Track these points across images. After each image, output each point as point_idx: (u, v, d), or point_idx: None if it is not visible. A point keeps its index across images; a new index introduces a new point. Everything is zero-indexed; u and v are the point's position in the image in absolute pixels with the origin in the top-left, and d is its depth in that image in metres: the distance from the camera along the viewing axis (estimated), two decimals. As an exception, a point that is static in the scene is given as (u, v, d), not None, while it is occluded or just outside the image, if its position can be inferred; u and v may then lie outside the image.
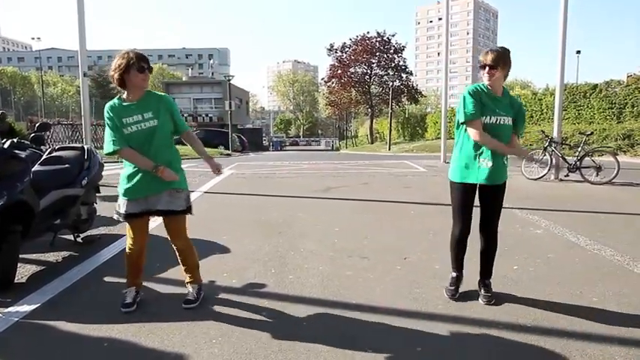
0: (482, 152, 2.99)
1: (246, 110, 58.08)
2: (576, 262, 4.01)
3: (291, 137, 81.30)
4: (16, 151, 3.80)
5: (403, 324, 2.81)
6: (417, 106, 53.89)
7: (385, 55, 43.72)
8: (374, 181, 10.63)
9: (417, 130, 38.73)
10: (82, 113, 10.83)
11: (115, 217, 3.03)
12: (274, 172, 13.35)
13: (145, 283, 3.35)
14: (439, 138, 20.89)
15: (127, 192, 2.93)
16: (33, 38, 77.52)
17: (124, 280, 3.17)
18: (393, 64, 43.67)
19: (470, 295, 3.20)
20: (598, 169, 9.14)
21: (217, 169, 3.19)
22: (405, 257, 4.16)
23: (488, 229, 3.17)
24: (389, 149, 31.60)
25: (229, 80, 35.09)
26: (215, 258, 4.23)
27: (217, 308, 3.08)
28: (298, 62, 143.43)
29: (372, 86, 45.06)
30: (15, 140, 4.20)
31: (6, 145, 3.85)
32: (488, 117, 2.95)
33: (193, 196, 7.88)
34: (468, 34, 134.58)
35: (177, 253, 3.19)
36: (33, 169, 3.88)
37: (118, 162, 3.00)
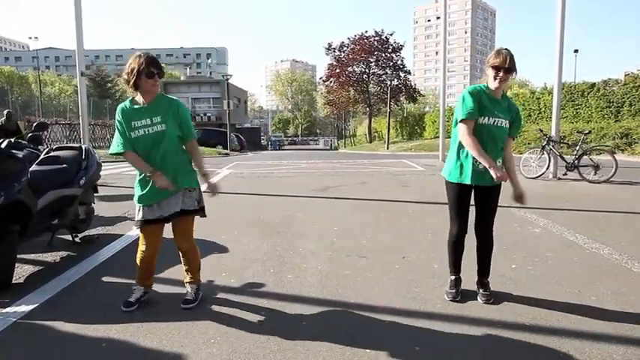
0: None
1: (244, 110, 58.06)
2: (575, 260, 4.01)
3: (289, 137, 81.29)
4: (14, 151, 3.79)
5: (402, 323, 2.81)
6: (416, 105, 53.89)
7: (383, 55, 43.73)
8: (372, 180, 10.63)
9: (415, 129, 38.75)
10: (80, 113, 10.80)
11: (135, 225, 3.04)
12: (273, 171, 13.34)
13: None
14: (437, 137, 20.92)
15: (140, 199, 2.93)
16: (30, 38, 77.23)
17: (122, 280, 3.17)
18: (391, 64, 43.69)
19: (468, 295, 3.20)
20: (596, 167, 9.16)
21: (213, 191, 3.11)
22: (403, 256, 4.17)
23: (483, 229, 3.17)
24: (387, 148, 31.62)
25: (227, 80, 35.06)
26: (214, 257, 4.23)
27: (216, 308, 3.07)
28: (296, 61, 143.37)
29: (371, 85, 45.07)
30: (12, 140, 4.18)
31: (3, 145, 3.84)
32: (487, 118, 2.95)
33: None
34: (466, 33, 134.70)
35: (180, 255, 3.16)
36: (30, 169, 3.88)
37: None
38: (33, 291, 3.35)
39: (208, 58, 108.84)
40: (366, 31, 43.73)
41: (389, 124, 36.00)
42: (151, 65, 2.81)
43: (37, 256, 4.24)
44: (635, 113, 18.91)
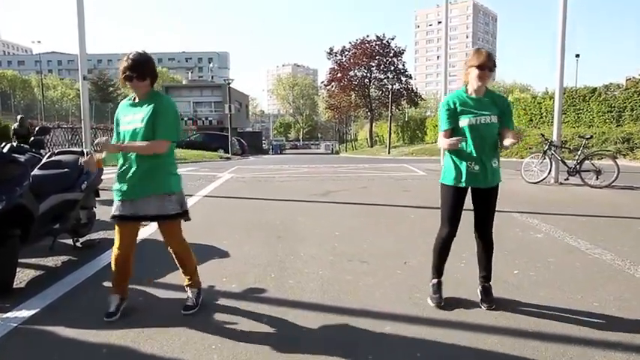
0: (468, 156, 3.00)
1: (245, 114, 58.15)
2: (577, 266, 4.00)
3: (290, 141, 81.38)
4: (16, 155, 3.79)
5: (403, 329, 2.79)
6: (417, 109, 53.93)
7: (385, 59, 43.77)
8: (373, 184, 10.62)
9: (416, 134, 38.73)
10: (82, 117, 10.83)
11: (110, 219, 3.05)
12: (274, 175, 13.34)
13: (143, 288, 3.34)
14: (439, 141, 20.81)
15: (116, 193, 2.96)
16: (33, 42, 77.82)
17: (123, 285, 3.15)
18: (392, 68, 43.72)
19: (470, 301, 3.18)
20: (598, 172, 9.13)
21: (86, 164, 3.03)
22: (405, 261, 4.16)
23: (482, 232, 3.16)
24: (388, 153, 31.61)
25: (229, 84, 35.14)
26: (214, 262, 4.22)
27: (217, 314, 3.06)
28: (298, 66, 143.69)
29: (372, 90, 45.09)
30: (14, 144, 4.20)
31: (5, 149, 3.85)
32: (470, 118, 2.97)
33: (193, 200, 7.86)
34: (467, 37, 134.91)
35: (174, 256, 3.16)
36: (32, 173, 3.88)
37: (116, 166, 2.97)
38: (34, 296, 3.35)
39: (210, 63, 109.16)
40: (368, 36, 43.82)
41: (390, 129, 36.00)
42: (128, 69, 2.83)
43: (38, 261, 4.23)
44: (636, 118, 18.87)
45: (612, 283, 3.55)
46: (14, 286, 3.50)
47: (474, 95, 3.02)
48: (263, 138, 63.54)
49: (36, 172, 4.18)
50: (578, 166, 9.48)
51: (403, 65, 44.49)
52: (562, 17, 9.93)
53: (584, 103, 20.92)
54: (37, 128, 4.49)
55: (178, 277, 3.31)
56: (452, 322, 2.90)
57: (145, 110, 2.88)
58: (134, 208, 2.92)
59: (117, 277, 3.06)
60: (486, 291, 3.16)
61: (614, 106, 19.83)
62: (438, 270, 3.22)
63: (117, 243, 3.02)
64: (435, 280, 3.21)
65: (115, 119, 3.05)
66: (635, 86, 19.37)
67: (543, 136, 10.84)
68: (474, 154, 2.99)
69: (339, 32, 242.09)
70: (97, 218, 5.26)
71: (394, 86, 40.96)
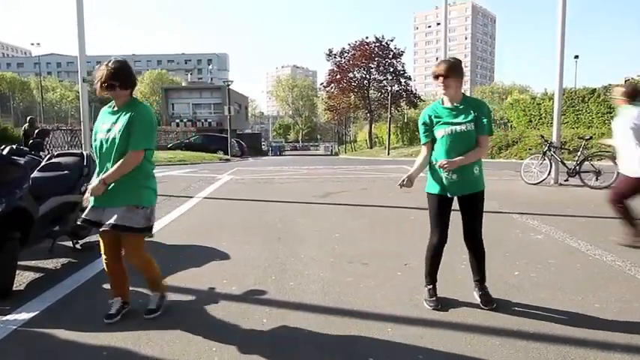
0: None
1: (245, 115, 58.14)
2: (577, 267, 3.99)
3: (290, 142, 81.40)
4: (15, 158, 3.78)
5: (404, 331, 2.79)
6: (416, 110, 53.90)
7: (384, 60, 43.77)
8: (373, 186, 10.62)
9: (415, 135, 38.65)
10: (82, 119, 10.81)
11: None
12: (273, 177, 13.33)
13: (143, 291, 3.33)
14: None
15: (90, 198, 2.94)
16: (32, 44, 77.65)
17: (123, 288, 3.14)
18: (391, 69, 43.73)
19: (471, 302, 3.18)
20: (597, 173, 9.14)
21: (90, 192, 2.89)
22: (405, 263, 4.15)
23: (471, 237, 3.18)
24: (388, 154, 31.60)
25: (228, 85, 35.17)
26: (214, 264, 4.21)
27: (217, 316, 3.06)
28: (297, 67, 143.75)
29: (371, 91, 45.08)
30: (14, 146, 4.18)
31: (5, 152, 3.83)
32: (444, 129, 3.04)
33: (192, 202, 7.86)
34: (466, 39, 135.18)
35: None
36: (32, 176, 3.87)
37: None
38: (33, 298, 3.34)
39: (209, 64, 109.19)
40: (367, 37, 43.80)
41: (389, 130, 36.01)
42: (110, 78, 2.78)
43: (37, 263, 4.22)
44: (635, 119, 18.90)
45: (613, 284, 3.55)
46: (14, 289, 3.49)
47: (449, 105, 3.10)
48: (262, 139, 63.42)
49: (35, 174, 4.17)
50: (577, 167, 9.48)
51: (402, 66, 44.50)
52: (561, 19, 9.95)
53: (584, 104, 20.93)
54: (36, 131, 4.48)
55: (177, 280, 3.31)
56: (453, 323, 2.90)
57: (123, 120, 2.84)
58: (102, 215, 2.87)
59: (112, 281, 3.07)
60: (484, 292, 3.16)
61: (613, 107, 19.82)
62: (431, 276, 3.23)
63: (102, 249, 3.00)
64: (429, 287, 3.22)
65: (94, 126, 3.02)
66: (634, 87, 19.39)
67: (543, 137, 10.85)
68: None
69: (339, 34, 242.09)
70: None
71: (393, 87, 40.96)
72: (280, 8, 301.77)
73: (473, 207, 3.12)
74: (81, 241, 4.81)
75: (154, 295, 3.10)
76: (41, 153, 4.92)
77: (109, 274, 3.03)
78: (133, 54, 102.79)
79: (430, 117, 3.13)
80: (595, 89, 20.82)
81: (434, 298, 3.16)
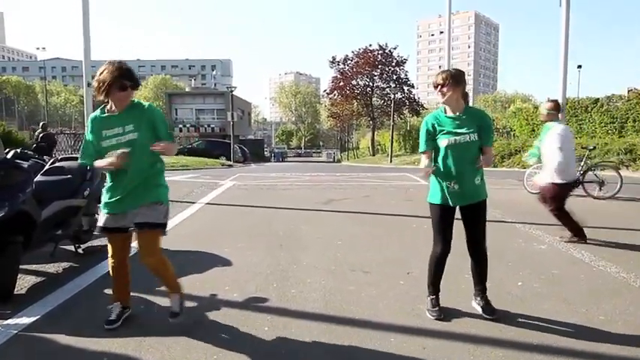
0: (448, 176, 3.03)
1: (248, 121, 58.28)
2: (581, 278, 3.96)
3: (292, 149, 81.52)
4: (19, 161, 3.80)
5: (406, 341, 2.76)
6: (419, 118, 53.97)
7: (387, 68, 43.92)
8: (376, 193, 10.60)
9: (418, 143, 38.66)
10: (85, 123, 10.86)
11: (97, 232, 2.96)
12: (276, 183, 13.33)
13: (144, 296, 3.32)
14: (441, 151, 20.81)
15: (106, 205, 2.88)
16: (38, 48, 78.15)
17: (124, 293, 3.13)
18: (394, 77, 43.87)
19: (474, 313, 3.15)
20: (601, 183, 9.10)
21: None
22: (408, 272, 4.13)
23: (474, 248, 3.16)
24: (390, 161, 31.60)
25: (232, 91, 35.26)
26: (216, 271, 4.20)
27: (218, 323, 3.04)
28: (300, 74, 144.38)
29: (374, 98, 45.19)
30: (18, 150, 4.20)
31: (9, 156, 3.85)
32: (448, 139, 3.01)
33: (194, 208, 7.86)
34: (469, 47, 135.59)
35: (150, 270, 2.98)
36: (35, 180, 3.88)
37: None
38: (35, 302, 3.33)
39: (213, 70, 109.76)
40: (370, 45, 44.00)
41: (392, 137, 36.04)
42: (123, 77, 2.73)
43: (39, 267, 4.22)
44: (639, 129, 18.86)
45: (617, 296, 3.51)
46: (15, 293, 3.49)
47: (451, 114, 3.07)
48: (265, 145, 63.58)
49: (39, 178, 4.18)
50: (581, 177, 9.44)
51: (405, 74, 44.64)
52: (564, 30, 9.96)
53: (586, 113, 20.92)
54: (41, 135, 4.49)
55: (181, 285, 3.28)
56: (456, 334, 2.87)
57: (136, 119, 2.79)
58: (124, 220, 2.84)
59: (115, 284, 3.05)
60: (486, 302, 3.13)
61: (616, 117, 19.82)
62: (434, 286, 3.20)
63: (110, 252, 2.99)
64: (432, 297, 3.19)
65: (90, 134, 2.86)
66: (637, 97, 19.37)
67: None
68: (454, 174, 3.02)
69: (342, 42, 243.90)
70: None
71: (396, 95, 41.04)
72: (280, 12, 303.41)
73: (475, 217, 3.11)
74: (83, 246, 4.81)
75: (174, 298, 3.00)
76: (45, 157, 4.94)
77: (113, 275, 3.02)
78: (138, 59, 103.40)
79: (433, 125, 3.10)
80: (598, 99, 20.82)
81: (437, 308, 3.13)
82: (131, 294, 3.16)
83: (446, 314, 3.11)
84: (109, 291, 3.64)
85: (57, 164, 4.62)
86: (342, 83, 44.74)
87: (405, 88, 44.15)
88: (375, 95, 45.13)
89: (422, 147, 3.17)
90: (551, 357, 2.55)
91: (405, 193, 10.67)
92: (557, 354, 2.59)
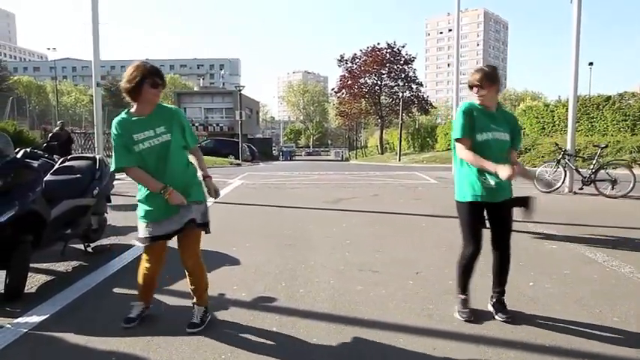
0: (485, 171, 2.93)
1: (256, 120, 58.46)
2: (594, 278, 3.90)
3: (301, 147, 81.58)
4: (29, 161, 3.82)
5: (416, 342, 2.73)
6: (427, 117, 53.75)
7: (395, 66, 43.75)
8: (384, 192, 10.56)
9: (427, 141, 38.55)
10: (95, 122, 10.94)
11: (137, 243, 2.86)
12: (284, 182, 13.33)
13: (154, 296, 3.31)
14: (449, 149, 20.73)
15: (148, 214, 2.77)
16: (49, 48, 78.97)
17: (134, 292, 3.13)
18: (403, 75, 43.70)
19: (485, 313, 3.11)
20: (613, 182, 8.98)
21: (215, 193, 3.03)
22: (417, 272, 4.09)
23: (501, 247, 3.09)
24: (399, 160, 31.48)
25: (240, 90, 35.37)
26: (224, 270, 4.20)
27: (227, 323, 3.03)
28: (308, 73, 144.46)
29: (382, 97, 45.08)
30: (28, 150, 4.23)
31: (19, 155, 3.87)
32: (485, 133, 2.93)
33: (203, 206, 7.86)
34: (478, 45, 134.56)
35: (187, 275, 2.98)
36: (45, 179, 3.90)
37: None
38: (44, 301, 3.35)
39: (221, 69, 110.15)
40: (379, 43, 43.87)
41: (400, 136, 35.91)
42: (155, 75, 2.69)
43: (49, 266, 4.24)
44: (651, 127, 18.58)
45: (632, 297, 3.45)
46: (25, 291, 3.50)
47: (488, 110, 2.99)
48: (273, 144, 63.63)
49: (49, 177, 4.20)
50: (593, 176, 9.32)
51: (414, 73, 44.45)
52: (576, 26, 9.83)
53: (598, 111, 20.65)
54: (50, 135, 4.52)
55: (187, 285, 3.26)
56: (467, 335, 2.83)
57: (166, 120, 2.75)
58: (167, 226, 2.77)
59: (144, 290, 3.01)
60: (502, 304, 3.09)
61: (628, 115, 19.53)
62: (464, 287, 3.11)
63: (147, 262, 2.92)
64: (462, 296, 3.11)
65: (120, 139, 2.71)
66: (650, 95, 19.09)
67: (557, 145, 10.70)
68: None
69: (350, 43, 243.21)
70: (108, 224, 5.28)
71: (405, 94, 40.91)
72: (281, 12, 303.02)
73: (505, 215, 3.04)
74: (92, 245, 4.84)
75: (198, 309, 2.94)
76: (54, 156, 4.97)
77: (144, 282, 2.96)
78: (147, 58, 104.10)
79: (474, 113, 2.94)
80: (610, 97, 20.54)
81: (467, 310, 3.05)
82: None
83: (475, 316, 3.05)
84: (118, 290, 3.66)
85: (66, 163, 4.65)
86: (350, 82, 44.67)
87: (414, 86, 43.97)
88: (384, 93, 45.00)
89: (459, 132, 2.93)
90: (563, 359, 2.50)
91: (413, 191, 10.62)
92: (570, 356, 2.54)
